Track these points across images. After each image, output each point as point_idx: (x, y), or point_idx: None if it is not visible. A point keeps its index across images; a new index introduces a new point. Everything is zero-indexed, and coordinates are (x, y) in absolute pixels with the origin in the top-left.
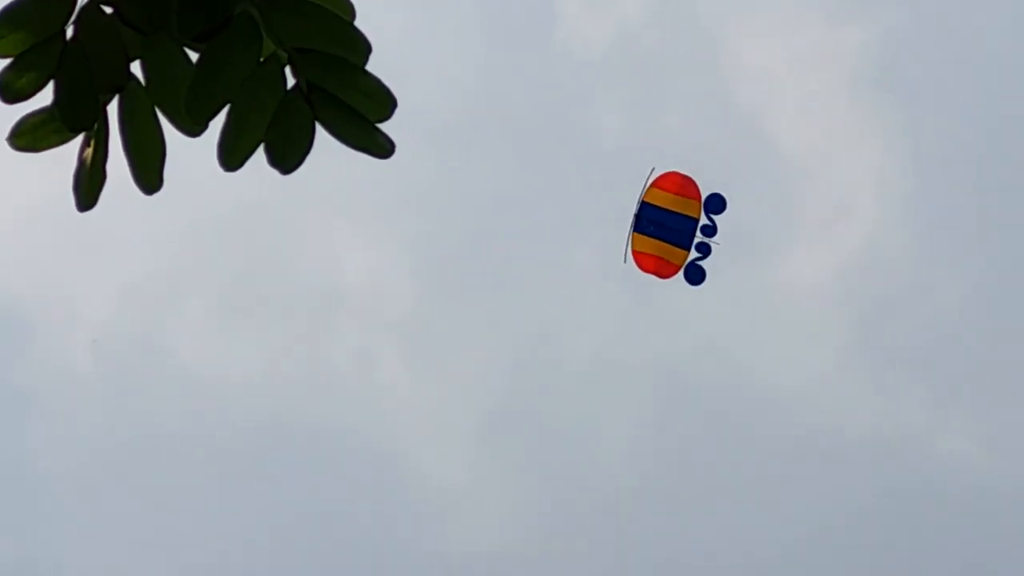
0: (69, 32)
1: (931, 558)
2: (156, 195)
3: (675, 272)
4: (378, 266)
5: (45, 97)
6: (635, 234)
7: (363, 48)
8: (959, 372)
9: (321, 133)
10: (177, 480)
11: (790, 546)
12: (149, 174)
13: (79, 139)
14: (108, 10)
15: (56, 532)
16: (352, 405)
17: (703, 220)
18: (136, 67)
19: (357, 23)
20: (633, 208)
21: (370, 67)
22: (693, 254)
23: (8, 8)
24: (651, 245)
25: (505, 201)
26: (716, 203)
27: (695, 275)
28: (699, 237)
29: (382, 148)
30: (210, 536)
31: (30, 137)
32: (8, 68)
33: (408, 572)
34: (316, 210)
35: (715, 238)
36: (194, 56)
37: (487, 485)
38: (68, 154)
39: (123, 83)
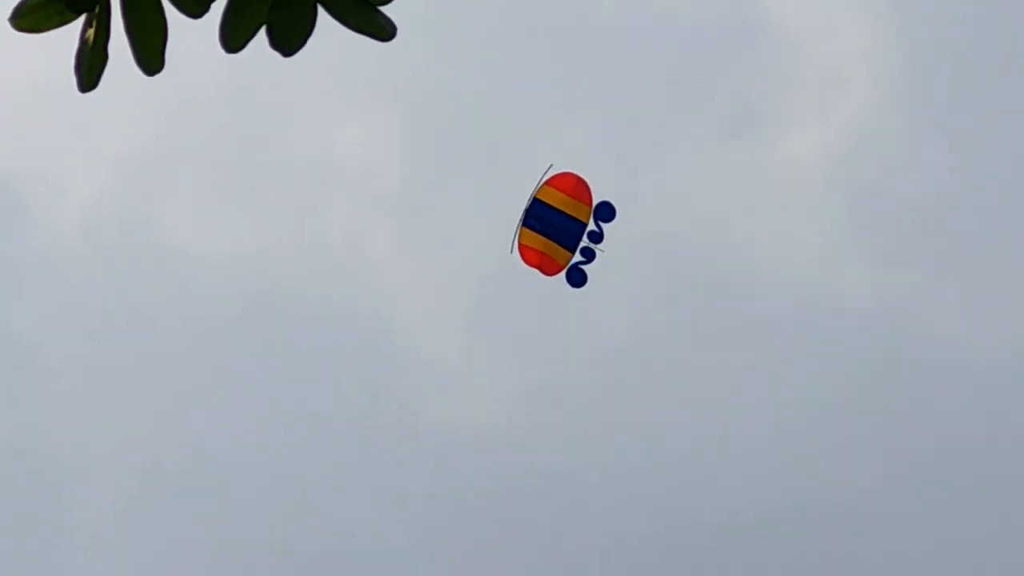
0: None
1: (921, 428)
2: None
3: (558, 271)
4: (370, 143)
5: None
6: (523, 228)
7: None
8: (950, 246)
9: (321, 14)
10: (167, 354)
11: (782, 418)
12: (151, 55)
13: (80, 20)
14: None
15: (45, 405)
16: (344, 280)
17: (591, 226)
18: None
19: None
20: (524, 203)
21: None
22: (578, 257)
23: None
24: (538, 241)
25: (497, 77)
26: (606, 211)
27: (576, 278)
28: (585, 242)
29: (383, 31)
30: (201, 413)
31: (32, 18)
32: None
33: (402, 447)
34: (308, 89)
35: (600, 245)
36: None
37: (479, 360)
38: (69, 35)
39: None
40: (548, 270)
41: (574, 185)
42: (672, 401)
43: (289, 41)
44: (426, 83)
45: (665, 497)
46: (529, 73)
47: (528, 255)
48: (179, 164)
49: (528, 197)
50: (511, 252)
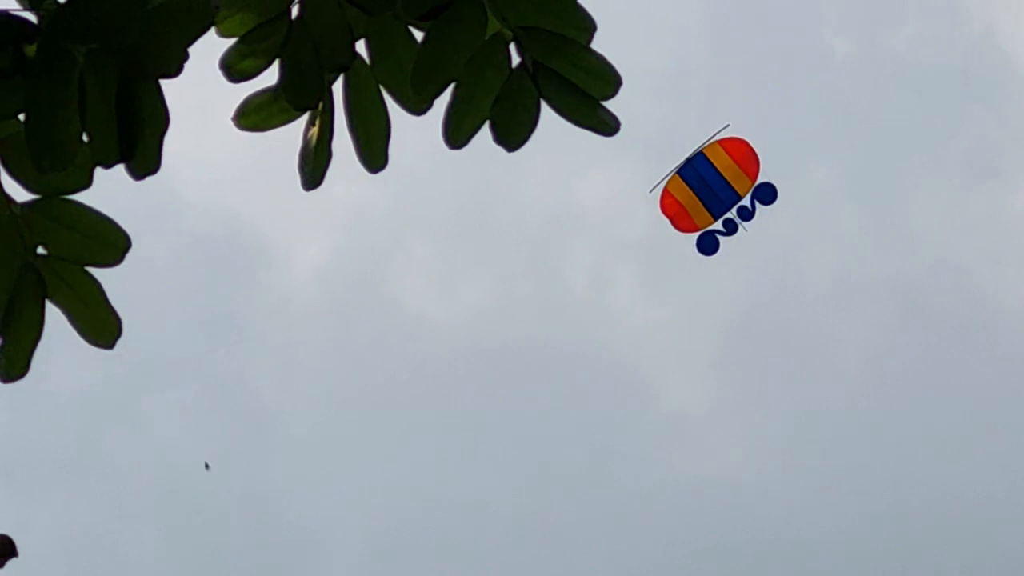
0: (294, 11)
1: None
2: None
3: (692, 230)
4: (613, 188)
5: (270, 76)
6: (676, 175)
7: (587, 25)
8: None
9: (545, 109)
10: (406, 412)
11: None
12: (374, 152)
13: (304, 118)
14: None
15: (284, 463)
16: (588, 330)
17: (745, 201)
18: (361, 46)
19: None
20: (690, 152)
21: (596, 41)
22: (718, 225)
23: None
24: (684, 194)
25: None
26: (766, 192)
27: (709, 245)
28: (732, 214)
29: (607, 126)
30: (443, 470)
31: (256, 117)
32: (234, 48)
33: (644, 497)
34: (546, 134)
35: (747, 224)
36: (419, 35)
37: (724, 409)
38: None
39: (348, 62)
40: (681, 224)
41: (745, 154)
42: (914, 450)
43: (513, 137)
44: (667, 124)
45: (914, 551)
46: (771, 115)
47: (668, 203)
48: (414, 221)
49: (695, 149)
50: (649, 192)
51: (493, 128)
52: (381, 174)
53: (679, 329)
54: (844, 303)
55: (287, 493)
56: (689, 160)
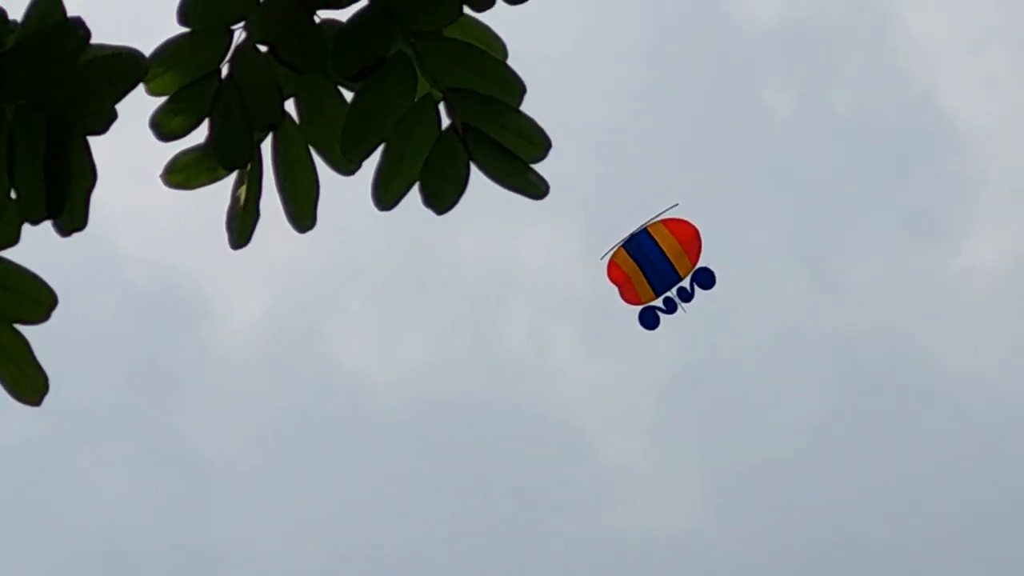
0: (224, 70)
1: None
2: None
3: (636, 303)
4: (550, 246)
5: (199, 135)
6: (621, 248)
7: (517, 88)
8: None
9: (475, 171)
10: (347, 470)
11: (965, 532)
12: (303, 212)
13: (232, 177)
14: (263, 48)
15: (223, 518)
16: (527, 385)
17: (685, 283)
18: (290, 105)
19: (510, 61)
20: (636, 226)
21: (529, 103)
22: (659, 302)
23: (163, 47)
24: (629, 266)
25: (680, 182)
26: (705, 277)
27: (650, 320)
28: (672, 294)
29: (536, 189)
30: (380, 523)
31: (184, 174)
32: (163, 107)
33: (581, 553)
34: (484, 192)
35: (683, 307)
36: (348, 95)
37: (662, 465)
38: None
39: (278, 121)
40: (627, 296)
41: (688, 237)
42: (855, 506)
43: (442, 200)
44: (606, 184)
45: None
46: (711, 174)
47: (615, 274)
48: (352, 277)
49: (640, 224)
50: (600, 259)
51: (422, 190)
52: (320, 230)
53: (618, 386)
54: (783, 362)
55: (226, 545)
56: (634, 235)
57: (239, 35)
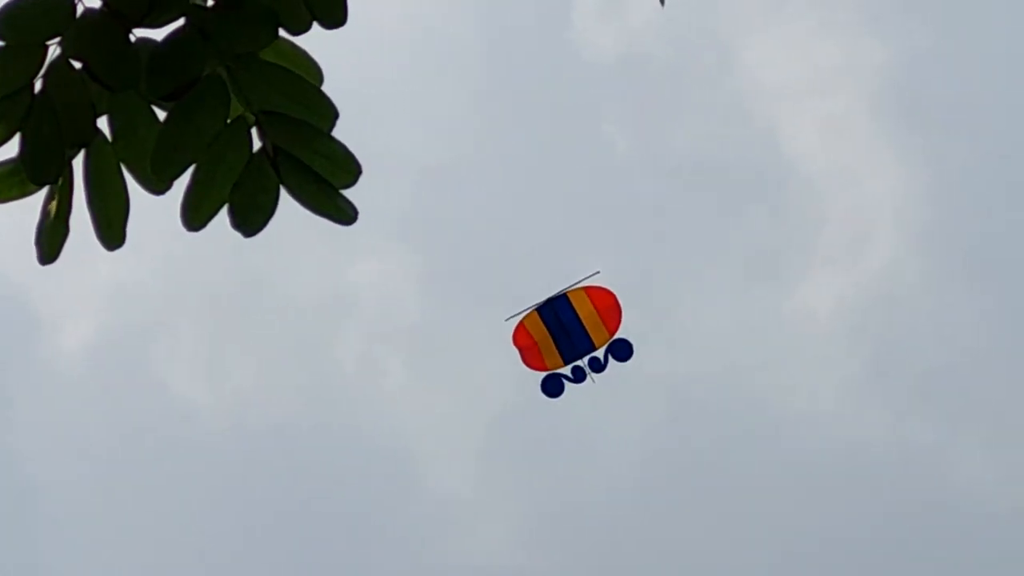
0: (37, 86)
1: None
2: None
3: (539, 368)
4: (384, 272)
5: (10, 149)
6: (535, 312)
7: (330, 113)
8: (972, 399)
9: (286, 195)
10: (175, 495)
11: (795, 570)
12: (112, 230)
13: (43, 192)
14: (77, 65)
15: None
16: (357, 412)
17: (599, 353)
18: (103, 123)
19: (334, 88)
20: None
21: (355, 130)
22: (566, 370)
23: None
24: (539, 331)
25: (509, 212)
26: (622, 349)
27: (554, 387)
28: (583, 363)
29: (344, 215)
30: (209, 549)
31: None
32: None
33: None
34: (313, 221)
35: (592, 377)
36: (162, 114)
37: (491, 495)
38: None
39: (90, 138)
40: (529, 360)
41: (609, 306)
42: (683, 541)
43: (251, 222)
44: (441, 219)
45: None
46: (546, 208)
47: (521, 337)
48: (182, 302)
49: (559, 289)
50: (505, 320)
51: (231, 212)
52: (152, 252)
53: (448, 415)
54: (616, 399)
55: (51, 565)
56: (551, 300)
57: (54, 51)
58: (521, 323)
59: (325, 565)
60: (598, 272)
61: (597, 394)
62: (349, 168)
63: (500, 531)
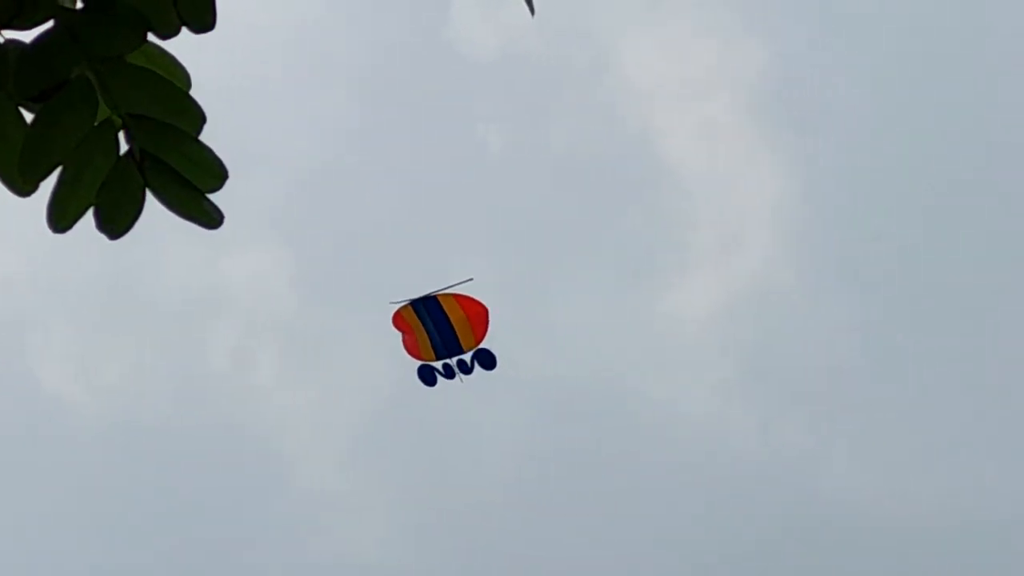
0: None
1: None
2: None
3: (416, 357)
4: (259, 269)
5: None
6: (410, 305)
7: (197, 117)
8: (843, 404)
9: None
10: (46, 492)
11: (668, 562)
12: None
13: None
14: None
15: None
16: (230, 408)
17: (466, 357)
18: None
19: (203, 92)
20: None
21: (227, 133)
22: (438, 365)
23: None
24: (415, 323)
25: (384, 210)
26: (487, 359)
27: (428, 377)
28: (452, 362)
29: (210, 219)
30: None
31: None
32: None
33: None
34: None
35: (461, 377)
36: (29, 116)
37: (363, 493)
38: None
39: None
40: (408, 347)
41: (477, 315)
42: (556, 539)
43: (116, 225)
44: (319, 215)
45: None
46: (421, 207)
47: (400, 323)
48: (55, 296)
49: (431, 290)
50: (389, 303)
51: (96, 215)
52: (25, 247)
53: (321, 411)
54: (491, 398)
55: None
56: (424, 299)
57: None
58: (399, 312)
59: (198, 564)
60: (471, 279)
61: (470, 392)
62: (215, 173)
63: (369, 527)
